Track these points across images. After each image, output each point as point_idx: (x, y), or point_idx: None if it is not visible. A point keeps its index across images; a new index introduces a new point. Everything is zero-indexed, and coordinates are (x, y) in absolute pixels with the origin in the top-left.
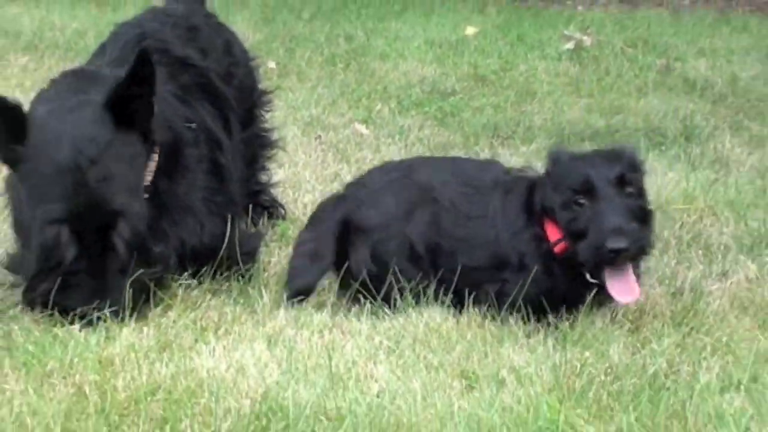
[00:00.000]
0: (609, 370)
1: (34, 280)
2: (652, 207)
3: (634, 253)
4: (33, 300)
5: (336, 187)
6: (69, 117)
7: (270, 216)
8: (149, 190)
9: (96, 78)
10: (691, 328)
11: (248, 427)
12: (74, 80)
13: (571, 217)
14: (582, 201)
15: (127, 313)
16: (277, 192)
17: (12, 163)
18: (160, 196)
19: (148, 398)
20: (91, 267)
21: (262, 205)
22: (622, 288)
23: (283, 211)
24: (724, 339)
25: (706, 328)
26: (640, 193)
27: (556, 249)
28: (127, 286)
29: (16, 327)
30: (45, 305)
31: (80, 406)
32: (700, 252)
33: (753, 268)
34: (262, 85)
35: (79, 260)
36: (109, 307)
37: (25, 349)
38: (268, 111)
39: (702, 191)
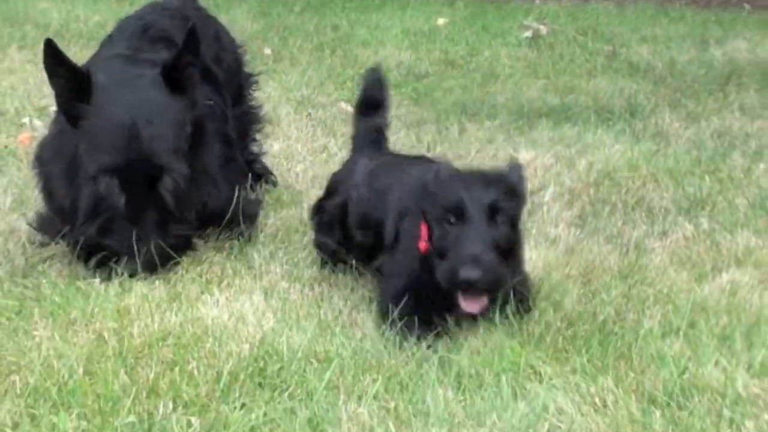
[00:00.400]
0: (564, 318)
1: (82, 226)
2: (520, 239)
3: (486, 285)
4: (88, 240)
5: (324, 158)
6: (129, 83)
7: (265, 182)
8: None
9: (137, 59)
10: (636, 281)
11: (247, 368)
12: (120, 61)
13: (439, 234)
14: (452, 220)
15: (159, 265)
16: (268, 161)
17: (74, 120)
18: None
19: (160, 343)
20: (135, 216)
21: (256, 173)
22: (470, 298)
23: (274, 178)
24: (665, 290)
25: (648, 280)
26: (512, 223)
27: (420, 246)
28: (166, 240)
29: (44, 281)
30: (90, 250)
31: (100, 350)
32: (643, 214)
33: (690, 228)
34: (249, 68)
35: (126, 208)
36: (143, 256)
37: (52, 300)
38: (254, 90)
39: (645, 161)
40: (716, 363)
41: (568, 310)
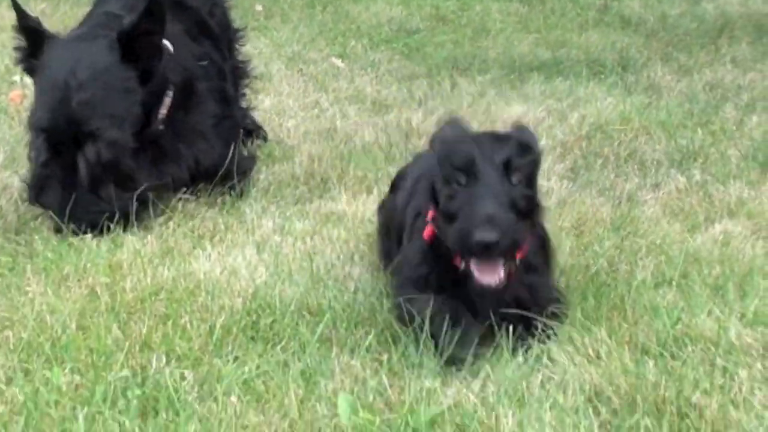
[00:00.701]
0: (558, 270)
1: (30, 181)
2: (539, 198)
3: (504, 248)
4: (29, 196)
5: (315, 113)
6: (80, 42)
7: (256, 137)
8: (166, 121)
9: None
10: (628, 233)
11: (240, 321)
12: (102, 19)
13: (448, 195)
14: (461, 180)
15: (84, 228)
16: (259, 117)
17: (31, 74)
18: (178, 125)
19: (153, 298)
20: (66, 178)
21: (247, 128)
22: (486, 270)
23: (264, 133)
24: (658, 242)
25: (641, 232)
26: (528, 182)
27: (425, 233)
28: (97, 205)
29: (36, 237)
30: (35, 201)
31: (93, 305)
32: (636, 166)
33: (682, 180)
34: (235, 23)
35: (53, 168)
36: (72, 218)
37: (44, 255)
38: (242, 45)
39: (637, 113)
40: (709, 313)
41: (561, 262)
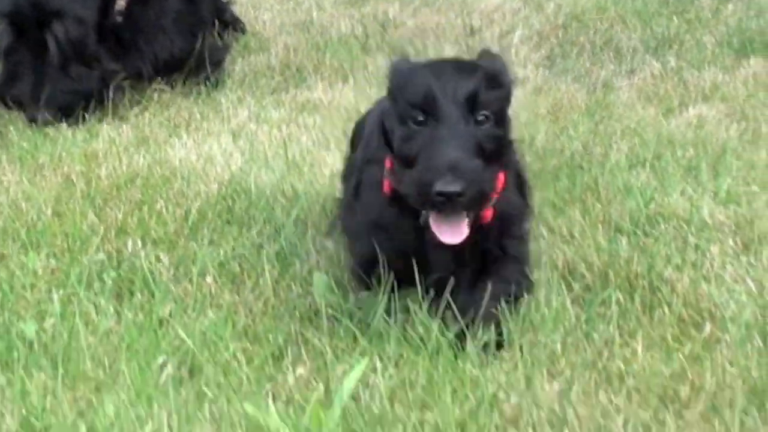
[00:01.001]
0: (534, 154)
1: None
2: (510, 134)
3: (469, 200)
4: None
5: (292, 6)
6: None
7: (234, 30)
8: (125, 14)
9: None
10: (603, 117)
11: (215, 206)
12: None
13: (404, 136)
14: (420, 118)
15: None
16: (235, 10)
17: None
18: (135, 19)
19: (128, 185)
20: (31, 61)
21: (226, 21)
22: (448, 227)
23: (242, 26)
24: (632, 125)
25: (616, 116)
26: (498, 119)
27: (385, 187)
28: (69, 84)
29: (11, 127)
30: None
31: (68, 192)
32: (611, 54)
33: (657, 66)
34: None
35: (21, 53)
36: (45, 103)
37: (19, 145)
38: None
39: (613, 3)
40: (682, 192)
41: (537, 146)
